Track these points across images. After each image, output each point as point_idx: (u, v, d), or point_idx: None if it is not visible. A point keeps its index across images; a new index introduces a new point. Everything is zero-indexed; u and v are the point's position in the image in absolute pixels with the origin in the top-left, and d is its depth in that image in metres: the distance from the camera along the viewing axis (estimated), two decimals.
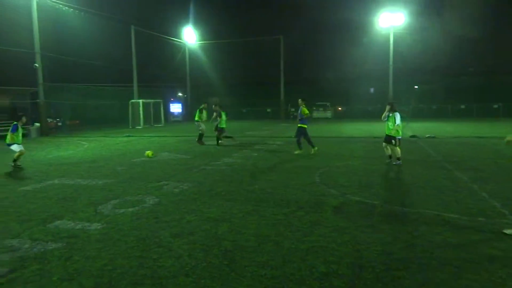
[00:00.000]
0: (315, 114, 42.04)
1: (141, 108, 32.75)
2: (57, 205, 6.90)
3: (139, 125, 32.20)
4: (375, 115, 39.95)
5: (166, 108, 39.71)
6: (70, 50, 32.81)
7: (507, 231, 4.99)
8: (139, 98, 33.77)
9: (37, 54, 25.65)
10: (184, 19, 45.02)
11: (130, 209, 6.51)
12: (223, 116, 16.41)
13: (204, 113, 17.68)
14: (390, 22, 37.35)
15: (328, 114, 41.57)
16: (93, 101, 35.29)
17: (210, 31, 46.57)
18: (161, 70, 42.25)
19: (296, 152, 13.17)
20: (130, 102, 33.09)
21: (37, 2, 25.11)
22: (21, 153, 11.46)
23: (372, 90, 46.40)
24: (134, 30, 34.00)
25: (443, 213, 5.97)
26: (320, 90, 43.43)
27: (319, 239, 4.96)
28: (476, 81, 40.87)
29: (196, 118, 17.48)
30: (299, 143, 13.21)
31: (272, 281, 3.83)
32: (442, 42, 40.80)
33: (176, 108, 43.14)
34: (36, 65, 25.61)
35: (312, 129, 24.61)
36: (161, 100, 36.14)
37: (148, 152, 12.99)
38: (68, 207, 6.77)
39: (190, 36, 44.58)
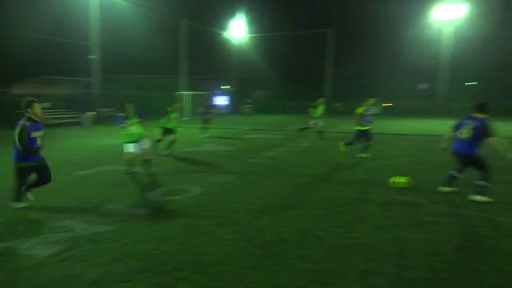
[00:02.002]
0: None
1: (186, 100, 33.57)
2: (109, 190, 7.27)
3: (185, 116, 33.04)
4: (426, 112, 38.40)
5: (211, 101, 40.43)
6: (122, 43, 34.24)
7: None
8: (186, 90, 34.63)
9: (94, 46, 26.98)
10: (231, 12, 45.45)
11: (176, 197, 6.74)
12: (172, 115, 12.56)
13: (320, 108, 16.58)
14: (447, 15, 35.58)
15: (375, 109, 40.27)
16: (142, 92, 36.62)
17: (258, 24, 46.66)
18: (208, 63, 43.00)
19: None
20: (176, 94, 34.00)
21: None
22: (131, 157, 8.68)
23: (423, 86, 44.45)
24: (183, 24, 34.80)
25: (497, 217, 5.65)
26: (368, 85, 42.27)
27: (362, 236, 4.88)
28: None
29: (315, 115, 16.57)
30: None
31: (312, 275, 3.84)
32: (503, 37, 38.21)
33: (221, 100, 43.77)
34: (92, 56, 26.97)
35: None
36: (208, 92, 36.85)
37: (400, 180, 7.65)
38: (119, 192, 7.12)
39: (237, 29, 44.96)
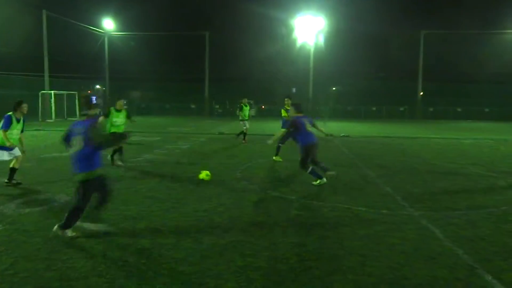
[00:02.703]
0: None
1: (52, 100, 30.32)
2: None
3: (51, 118, 29.83)
4: None
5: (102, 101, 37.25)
6: None
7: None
8: (50, 89, 31.24)
9: None
10: (105, 7, 42.68)
11: (38, 209, 6.04)
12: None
13: (246, 109, 15.75)
14: (312, 25, 39.16)
15: (252, 112, 42.17)
16: None
17: (134, 22, 44.71)
18: (77, 60, 39.51)
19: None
20: (40, 93, 30.46)
21: None
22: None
23: (294, 90, 48.10)
24: (46, 15, 31.34)
25: (353, 207, 6.45)
26: (244, 88, 43.97)
27: (238, 234, 5.06)
28: (386, 86, 44.58)
29: (241, 118, 15.76)
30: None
31: (189, 277, 3.84)
32: (358, 48, 43.84)
33: (93, 101, 40.66)
34: None
35: (236, 127, 24.65)
36: (75, 92, 33.78)
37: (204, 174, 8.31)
38: None
39: (110, 25, 42.33)
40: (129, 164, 10.37)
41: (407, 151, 14.12)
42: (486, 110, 41.01)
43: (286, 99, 11.47)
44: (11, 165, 7.60)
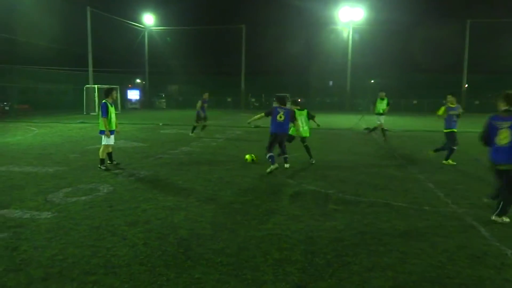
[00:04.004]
0: (274, 104, 42.40)
1: (96, 94, 31.52)
2: (3, 194, 6.55)
3: (94, 111, 31.03)
4: (333, 107, 40.94)
5: (123, 95, 38.46)
6: (20, 30, 31.01)
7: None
8: (94, 84, 32.48)
9: None
10: (144, 2, 43.72)
11: (83, 198, 6.32)
12: None
13: (381, 103, 14.94)
14: (350, 17, 38.29)
15: (287, 105, 42.00)
16: (45, 85, 33.58)
17: (172, 17, 45.54)
18: (119, 55, 40.78)
19: None
20: (85, 88, 31.77)
21: None
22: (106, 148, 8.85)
23: (331, 83, 47.35)
24: (90, 12, 32.52)
25: (392, 202, 6.28)
26: (280, 81, 43.76)
27: (274, 227, 5.07)
28: (427, 78, 42.87)
29: (378, 111, 15.01)
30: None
31: (227, 268, 3.89)
32: (399, 39, 42.37)
33: (133, 94, 41.93)
34: None
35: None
36: (117, 86, 34.89)
37: (248, 157, 9.91)
38: (15, 195, 6.46)
39: (150, 20, 43.37)
40: (166, 156, 10.63)
41: None
42: None
43: (448, 96, 9.96)
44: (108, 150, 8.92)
